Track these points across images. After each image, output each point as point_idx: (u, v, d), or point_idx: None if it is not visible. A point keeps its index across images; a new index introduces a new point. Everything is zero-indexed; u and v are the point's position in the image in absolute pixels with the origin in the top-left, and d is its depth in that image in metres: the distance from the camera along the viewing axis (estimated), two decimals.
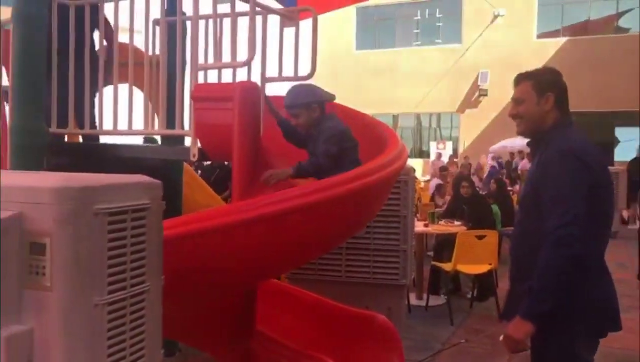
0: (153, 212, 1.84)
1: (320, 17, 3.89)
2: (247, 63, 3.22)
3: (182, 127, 3.60)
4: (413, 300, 6.58)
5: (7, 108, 3.91)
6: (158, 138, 4.68)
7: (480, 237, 6.33)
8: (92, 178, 1.68)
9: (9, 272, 1.54)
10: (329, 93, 3.21)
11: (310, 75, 3.75)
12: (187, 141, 3.61)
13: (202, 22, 3.78)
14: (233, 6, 3.25)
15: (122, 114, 3.77)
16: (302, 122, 3.11)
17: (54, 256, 1.55)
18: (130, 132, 3.59)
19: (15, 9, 3.46)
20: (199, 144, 3.33)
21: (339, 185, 2.53)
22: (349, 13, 24.31)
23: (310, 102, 3.10)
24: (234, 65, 3.36)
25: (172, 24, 3.76)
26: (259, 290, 3.12)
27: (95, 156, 3.85)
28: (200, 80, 3.70)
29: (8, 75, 3.99)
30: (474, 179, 12.30)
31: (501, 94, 21.88)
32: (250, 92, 3.15)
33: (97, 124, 3.78)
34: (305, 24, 4.01)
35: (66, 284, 1.56)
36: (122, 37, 3.83)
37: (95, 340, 1.63)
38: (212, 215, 2.54)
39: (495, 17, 23.76)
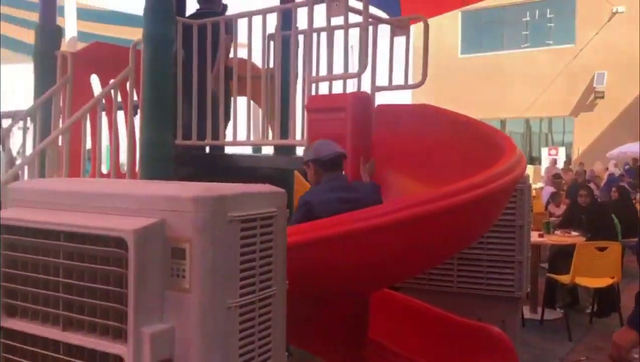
0: (279, 219, 1.93)
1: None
2: (360, 74, 3.27)
3: (296, 137, 3.73)
4: (526, 313, 6.31)
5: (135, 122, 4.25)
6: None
7: (601, 249, 5.97)
8: (226, 188, 1.79)
9: (154, 274, 1.68)
10: (333, 150, 2.95)
11: (421, 83, 3.74)
12: (299, 151, 3.73)
13: (314, 35, 3.91)
14: (346, 19, 3.32)
15: (239, 125, 3.99)
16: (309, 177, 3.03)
17: (192, 260, 1.66)
18: (248, 143, 3.77)
19: (145, 29, 3.76)
20: None
21: (462, 192, 2.50)
22: (453, 17, 23.85)
23: (307, 160, 2.99)
24: (347, 77, 3.43)
25: (286, 38, 3.91)
26: (372, 299, 3.14)
27: (217, 166, 4.07)
28: (312, 91, 3.81)
29: (138, 93, 4.33)
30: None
31: (620, 96, 20.44)
32: (362, 102, 3.20)
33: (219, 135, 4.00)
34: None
35: (203, 286, 1.67)
36: (240, 53, 4.04)
37: (229, 340, 1.73)
38: (329, 223, 2.61)
39: (614, 14, 22.32)
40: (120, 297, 1.69)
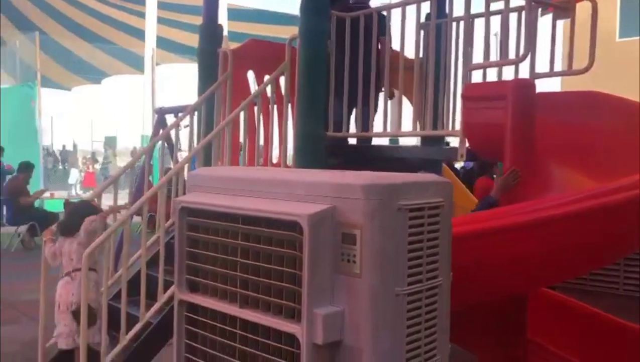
0: (445, 210, 1.90)
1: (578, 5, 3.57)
2: (523, 59, 3.12)
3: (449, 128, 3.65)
4: None
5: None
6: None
7: None
8: (395, 177, 1.81)
9: (325, 258, 1.74)
10: None
11: (587, 69, 3.48)
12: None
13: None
14: (507, 3, 3.18)
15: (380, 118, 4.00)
16: None
17: (363, 246, 1.69)
18: (400, 133, 3.76)
19: (301, 25, 3.89)
20: (467, 144, 3.33)
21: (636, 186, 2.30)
22: None
23: None
24: (508, 63, 3.29)
25: (438, 26, 3.84)
26: (531, 299, 3.00)
27: (364, 157, 4.11)
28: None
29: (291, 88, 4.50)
30: None
31: None
32: (525, 90, 3.04)
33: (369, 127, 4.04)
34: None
35: (373, 272, 1.69)
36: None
37: (397, 327, 1.75)
38: (492, 216, 2.53)
39: None
40: (293, 278, 1.77)
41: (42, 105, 14.58)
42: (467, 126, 3.30)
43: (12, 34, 17.38)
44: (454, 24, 3.82)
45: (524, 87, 3.06)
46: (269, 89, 4.29)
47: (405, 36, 3.79)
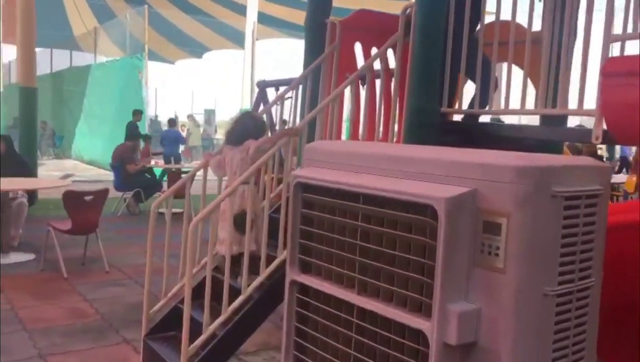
0: (603, 199, 1.63)
1: None
2: None
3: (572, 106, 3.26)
4: None
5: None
6: None
7: None
8: (549, 159, 1.56)
9: (462, 248, 1.53)
10: None
11: None
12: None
13: None
14: None
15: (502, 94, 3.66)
16: None
17: (509, 238, 1.47)
18: (525, 111, 3.42)
19: None
20: (604, 126, 2.96)
21: None
22: None
23: None
24: None
25: None
26: None
27: (479, 135, 3.81)
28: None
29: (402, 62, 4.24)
30: None
31: None
32: None
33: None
34: None
35: (520, 268, 1.47)
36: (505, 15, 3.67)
37: (543, 331, 1.52)
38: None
39: None
40: (422, 268, 1.58)
41: (148, 78, 15.20)
42: (606, 106, 2.92)
43: (122, 7, 18.22)
44: None
45: None
46: (378, 63, 4.07)
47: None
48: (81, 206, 5.72)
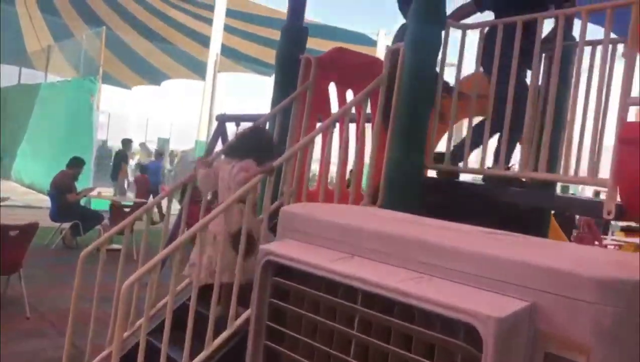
0: None
1: None
2: None
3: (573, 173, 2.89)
4: None
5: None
6: None
7: None
8: (631, 261, 1.10)
9: None
10: None
11: None
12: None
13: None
14: None
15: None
16: None
17: None
18: (522, 174, 3.03)
19: (410, 33, 3.23)
20: (618, 199, 2.58)
21: None
22: None
23: None
24: None
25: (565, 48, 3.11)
26: None
27: (465, 196, 3.39)
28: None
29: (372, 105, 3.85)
30: None
31: None
32: None
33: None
34: None
35: None
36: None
37: None
38: None
39: None
40: None
41: (101, 101, 14.45)
42: (622, 176, 2.55)
43: (80, 27, 17.48)
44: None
45: None
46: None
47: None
48: (4, 241, 4.98)
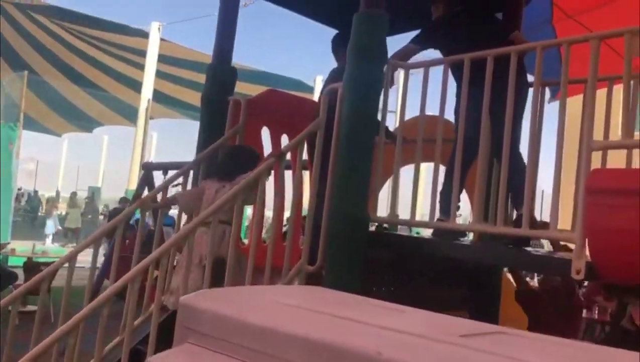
0: None
1: None
2: None
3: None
4: None
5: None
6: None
7: None
8: None
9: None
10: None
11: None
12: None
13: None
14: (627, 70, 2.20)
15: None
16: None
17: None
18: (480, 228, 2.70)
19: (348, 71, 2.91)
20: (588, 257, 2.28)
21: None
22: None
23: None
24: None
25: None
26: None
27: (411, 250, 3.04)
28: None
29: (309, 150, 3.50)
30: None
31: None
32: None
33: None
34: None
35: None
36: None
37: None
38: None
39: None
40: None
41: (24, 149, 13.54)
42: (593, 231, 2.25)
43: (5, 72, 16.51)
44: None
45: None
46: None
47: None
48: None
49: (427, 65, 2.99)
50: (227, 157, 3.34)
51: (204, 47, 14.93)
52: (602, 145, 2.48)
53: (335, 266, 2.79)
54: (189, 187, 3.65)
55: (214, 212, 2.72)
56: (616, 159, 2.71)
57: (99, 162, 32.43)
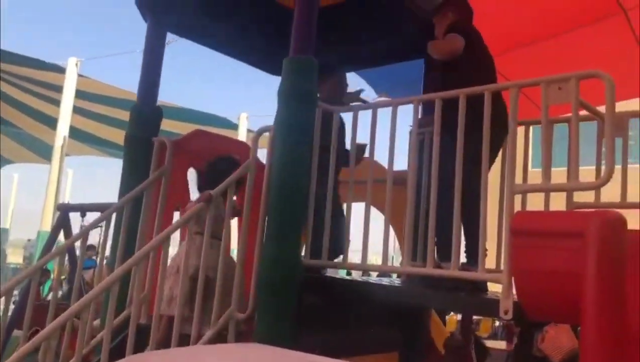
0: None
1: None
2: (603, 184, 2.26)
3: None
4: None
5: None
6: None
7: None
8: None
9: None
10: None
11: None
12: None
13: None
14: (576, 106, 2.34)
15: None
16: None
17: None
18: (407, 270, 2.73)
19: (277, 115, 2.90)
20: (514, 297, 2.35)
21: None
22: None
23: None
24: (581, 188, 2.41)
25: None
26: None
27: (344, 294, 3.03)
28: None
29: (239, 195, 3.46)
30: None
31: None
32: (613, 227, 2.14)
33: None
34: None
35: None
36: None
37: None
38: None
39: None
40: None
41: None
42: (519, 272, 2.33)
43: None
44: None
45: (612, 222, 2.15)
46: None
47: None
48: None
49: (356, 109, 3.04)
50: (207, 169, 3.37)
51: (128, 83, 14.59)
52: (523, 189, 2.59)
53: (266, 313, 2.73)
54: (112, 231, 3.49)
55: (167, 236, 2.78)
56: (536, 197, 2.85)
57: (7, 202, 30.60)
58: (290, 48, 2.93)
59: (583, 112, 2.56)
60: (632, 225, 2.20)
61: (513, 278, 2.36)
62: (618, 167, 2.77)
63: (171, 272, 3.05)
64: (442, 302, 2.84)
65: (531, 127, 3.24)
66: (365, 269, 2.95)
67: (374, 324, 3.32)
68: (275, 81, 3.01)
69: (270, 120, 2.99)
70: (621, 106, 2.73)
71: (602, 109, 2.47)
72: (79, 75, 14.59)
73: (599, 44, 5.67)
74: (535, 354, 4.68)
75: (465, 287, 2.64)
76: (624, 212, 2.26)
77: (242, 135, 13.31)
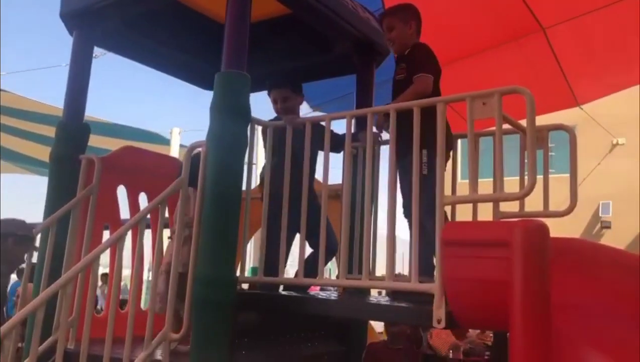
0: None
1: None
2: (527, 194, 2.36)
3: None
4: None
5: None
6: None
7: None
8: None
9: None
10: None
11: (571, 210, 2.83)
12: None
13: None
14: (500, 122, 2.44)
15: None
16: None
17: None
18: (340, 283, 2.74)
19: (210, 130, 2.87)
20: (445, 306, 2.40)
21: None
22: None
23: None
24: (506, 199, 2.50)
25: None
26: None
27: (284, 310, 3.02)
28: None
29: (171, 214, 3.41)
30: None
31: (625, 226, 19.97)
32: (537, 235, 2.23)
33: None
34: None
35: None
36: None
37: None
38: None
39: (614, 145, 22.40)
40: None
41: None
42: (450, 280, 2.39)
43: None
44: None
45: (536, 230, 2.25)
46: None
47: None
48: None
49: (290, 124, 3.05)
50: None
51: (51, 99, 13.98)
52: (452, 200, 2.67)
53: (201, 332, 2.67)
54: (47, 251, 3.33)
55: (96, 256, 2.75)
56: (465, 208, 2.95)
57: None
58: (222, 63, 2.91)
59: (507, 126, 2.67)
60: (554, 232, 2.31)
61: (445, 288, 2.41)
62: (540, 178, 2.93)
63: (163, 270, 3.08)
64: (375, 313, 2.87)
65: (459, 140, 3.35)
66: (301, 283, 2.94)
67: (312, 338, 3.32)
68: (208, 96, 2.98)
69: (203, 135, 2.95)
70: (542, 120, 2.87)
71: (524, 122, 2.59)
72: (2, 91, 13.90)
73: (520, 60, 5.98)
74: (426, 352, 5.15)
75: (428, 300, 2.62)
76: (547, 221, 2.38)
77: (174, 151, 12.99)
